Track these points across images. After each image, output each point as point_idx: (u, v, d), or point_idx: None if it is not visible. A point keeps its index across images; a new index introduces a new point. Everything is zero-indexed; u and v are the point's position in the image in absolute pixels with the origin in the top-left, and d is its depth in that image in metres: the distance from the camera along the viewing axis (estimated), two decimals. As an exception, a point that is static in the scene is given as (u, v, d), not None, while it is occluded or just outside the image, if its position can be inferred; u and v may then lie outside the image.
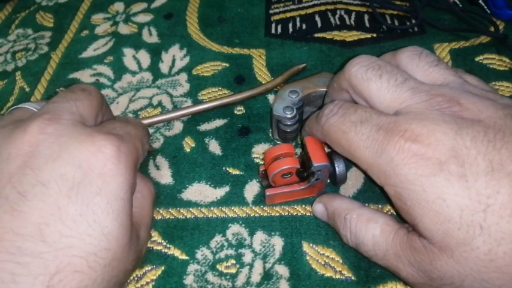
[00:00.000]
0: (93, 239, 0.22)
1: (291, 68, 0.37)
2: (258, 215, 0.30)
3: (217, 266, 0.27)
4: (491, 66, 0.37)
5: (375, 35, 0.40)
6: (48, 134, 0.23)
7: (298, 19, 0.43)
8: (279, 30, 0.42)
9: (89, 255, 0.22)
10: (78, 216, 0.22)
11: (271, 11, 0.44)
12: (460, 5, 0.42)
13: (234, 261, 0.28)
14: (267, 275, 0.27)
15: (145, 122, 0.34)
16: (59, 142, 0.23)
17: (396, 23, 0.42)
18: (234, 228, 0.29)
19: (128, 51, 0.42)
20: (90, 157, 0.23)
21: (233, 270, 0.27)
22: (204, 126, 0.35)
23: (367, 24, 0.42)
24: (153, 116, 0.35)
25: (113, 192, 0.23)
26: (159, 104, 0.37)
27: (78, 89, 0.27)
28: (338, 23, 0.42)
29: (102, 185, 0.23)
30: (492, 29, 0.39)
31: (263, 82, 0.37)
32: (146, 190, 0.28)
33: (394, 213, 0.29)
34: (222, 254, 0.28)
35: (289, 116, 0.30)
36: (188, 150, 0.34)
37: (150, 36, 0.43)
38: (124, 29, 0.44)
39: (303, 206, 0.30)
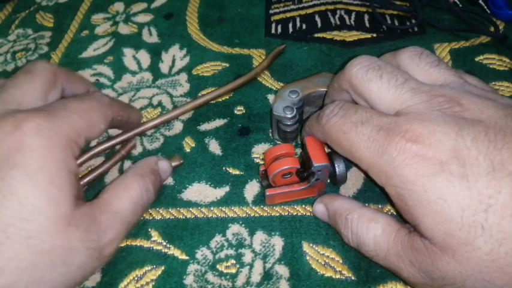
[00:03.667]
0: (9, 210, 0.22)
1: (273, 51, 0.39)
2: (258, 215, 0.30)
3: (217, 266, 0.27)
4: (491, 66, 0.37)
5: (375, 35, 0.40)
6: None
7: (298, 19, 0.43)
8: (279, 30, 0.42)
9: (7, 226, 0.22)
10: None
11: (271, 11, 0.44)
12: (460, 5, 0.42)
13: (234, 261, 0.27)
14: (267, 275, 0.27)
15: (139, 129, 0.33)
16: None
17: (396, 23, 0.42)
18: (234, 228, 0.29)
19: (128, 51, 0.42)
20: (7, 135, 0.23)
21: (233, 270, 0.27)
22: (204, 126, 0.35)
23: (367, 24, 0.42)
24: (147, 122, 0.34)
25: (33, 165, 0.23)
26: (159, 104, 0.37)
27: (22, 73, 0.28)
28: (338, 23, 0.42)
29: (19, 159, 0.23)
30: (492, 29, 0.39)
31: (263, 82, 0.37)
32: (134, 184, 0.28)
33: (395, 213, 0.29)
34: (222, 254, 0.28)
35: (289, 116, 0.30)
36: (188, 150, 0.33)
37: (150, 36, 0.43)
38: (124, 29, 0.44)
39: (303, 206, 0.30)
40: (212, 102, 0.36)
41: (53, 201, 0.23)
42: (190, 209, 0.30)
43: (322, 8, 0.43)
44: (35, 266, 0.23)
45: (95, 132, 0.27)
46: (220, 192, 0.31)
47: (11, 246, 0.22)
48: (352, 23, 0.42)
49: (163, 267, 0.28)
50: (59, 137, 0.25)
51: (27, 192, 0.23)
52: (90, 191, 0.31)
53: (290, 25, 0.42)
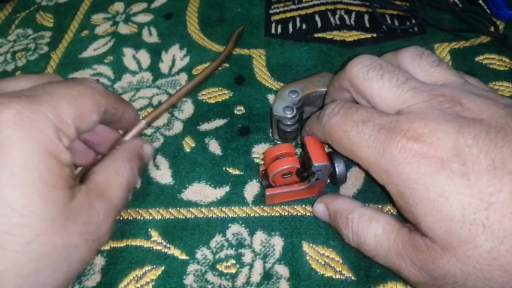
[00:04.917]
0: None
1: (233, 33, 0.41)
2: (258, 215, 0.29)
3: (217, 266, 0.27)
4: (491, 66, 0.37)
5: (375, 35, 0.40)
6: None
7: (298, 19, 0.43)
8: (279, 30, 0.42)
9: (0, 236, 0.20)
10: None
11: (271, 11, 0.44)
12: (460, 5, 0.42)
13: (234, 261, 0.27)
14: (267, 275, 0.27)
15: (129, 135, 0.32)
16: None
17: (396, 23, 0.42)
18: (234, 228, 0.29)
19: (128, 51, 0.42)
20: None
21: (233, 270, 0.27)
22: (204, 126, 0.35)
23: (367, 24, 0.42)
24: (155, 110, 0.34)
25: (16, 162, 0.20)
26: (159, 104, 0.37)
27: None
28: (338, 23, 0.42)
29: (1, 156, 0.20)
30: (492, 29, 0.39)
31: (263, 82, 0.37)
32: (123, 170, 0.26)
33: (395, 213, 0.29)
34: (222, 254, 0.28)
35: (289, 116, 0.30)
36: (188, 150, 0.33)
37: (150, 36, 0.43)
38: (124, 29, 0.44)
39: (303, 206, 0.30)
40: (212, 102, 0.36)
41: (46, 200, 0.21)
42: (190, 209, 0.30)
43: (322, 8, 0.43)
44: (37, 272, 0.21)
45: (87, 123, 0.24)
46: (220, 192, 0.31)
47: (7, 256, 0.20)
48: (352, 23, 0.42)
49: (163, 267, 0.28)
50: (44, 127, 0.21)
51: (15, 195, 0.20)
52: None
53: (290, 25, 0.42)
